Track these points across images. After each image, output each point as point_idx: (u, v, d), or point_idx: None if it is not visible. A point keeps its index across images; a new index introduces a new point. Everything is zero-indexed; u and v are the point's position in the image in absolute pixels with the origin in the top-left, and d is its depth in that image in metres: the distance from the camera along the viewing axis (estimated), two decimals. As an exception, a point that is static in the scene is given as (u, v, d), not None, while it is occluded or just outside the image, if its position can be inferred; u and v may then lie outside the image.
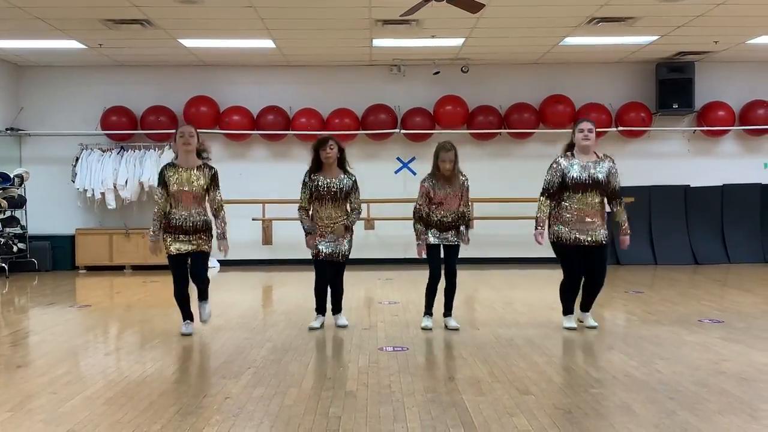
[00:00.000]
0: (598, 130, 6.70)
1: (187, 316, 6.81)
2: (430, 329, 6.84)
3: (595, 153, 6.61)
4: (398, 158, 12.86)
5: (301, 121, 12.36)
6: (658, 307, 8.07)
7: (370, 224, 12.10)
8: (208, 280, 6.85)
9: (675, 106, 12.45)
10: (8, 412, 4.39)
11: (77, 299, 9.62)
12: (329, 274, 6.93)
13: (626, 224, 6.74)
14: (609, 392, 4.70)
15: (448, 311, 7.00)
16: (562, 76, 12.70)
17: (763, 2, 8.98)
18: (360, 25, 9.94)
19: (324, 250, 6.80)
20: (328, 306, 7.12)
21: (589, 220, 6.50)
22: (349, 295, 8.83)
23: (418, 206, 6.86)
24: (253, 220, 12.07)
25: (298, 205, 6.89)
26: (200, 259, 6.67)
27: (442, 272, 6.87)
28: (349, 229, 6.86)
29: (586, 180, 6.46)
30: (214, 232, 6.73)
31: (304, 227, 6.87)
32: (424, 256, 6.86)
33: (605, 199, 6.64)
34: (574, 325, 6.80)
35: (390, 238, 12.59)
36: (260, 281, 11.43)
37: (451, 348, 6.16)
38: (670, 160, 12.93)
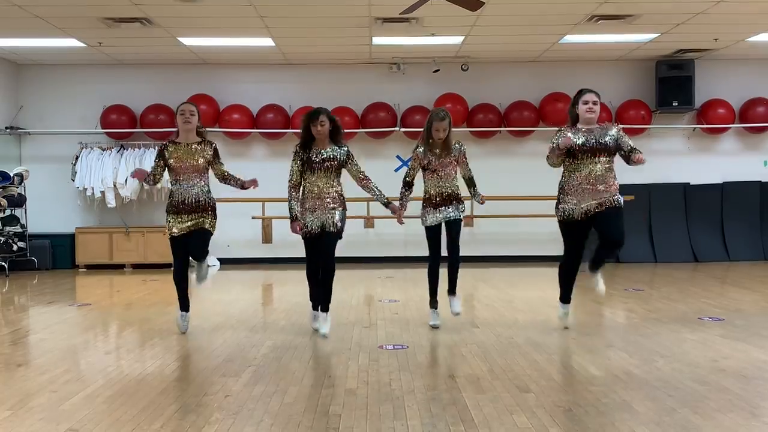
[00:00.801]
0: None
1: (184, 306, 6.73)
2: (438, 327, 6.71)
3: (598, 125, 6.33)
4: (398, 156, 12.86)
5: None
6: (658, 304, 8.07)
7: (370, 222, 12.09)
8: (207, 252, 6.68)
9: (675, 103, 12.45)
10: (8, 410, 4.39)
11: (77, 298, 9.62)
12: (319, 251, 6.45)
13: (639, 154, 6.16)
14: (609, 390, 4.70)
15: (452, 289, 6.77)
16: (561, 73, 12.69)
17: (763, 0, 8.98)
18: (360, 24, 9.94)
19: (312, 226, 6.39)
20: None
21: (600, 188, 6.18)
22: (349, 294, 8.85)
23: (406, 173, 6.87)
24: (252, 218, 12.07)
25: (288, 181, 6.46)
26: (201, 236, 6.52)
27: (444, 250, 6.64)
28: (389, 204, 6.61)
29: (593, 144, 6.17)
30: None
31: (290, 210, 6.43)
32: (402, 222, 6.82)
33: (613, 166, 6.27)
34: (567, 312, 6.68)
35: (390, 236, 12.58)
36: (260, 280, 11.44)
37: (451, 346, 6.15)
38: (670, 157, 12.93)
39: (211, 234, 6.61)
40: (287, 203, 6.50)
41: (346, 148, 6.47)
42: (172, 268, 6.76)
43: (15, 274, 11.66)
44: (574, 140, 6.22)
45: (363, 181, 6.58)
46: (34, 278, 11.34)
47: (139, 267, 12.24)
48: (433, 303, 6.84)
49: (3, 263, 11.49)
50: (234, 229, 12.18)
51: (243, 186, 6.73)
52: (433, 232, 6.69)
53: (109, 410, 4.39)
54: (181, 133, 6.59)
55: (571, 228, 6.39)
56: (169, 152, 6.47)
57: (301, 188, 6.46)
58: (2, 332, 7.02)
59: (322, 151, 6.39)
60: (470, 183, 6.91)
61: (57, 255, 12.45)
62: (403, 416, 4.21)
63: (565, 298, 6.73)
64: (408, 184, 6.89)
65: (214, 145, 6.64)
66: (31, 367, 5.57)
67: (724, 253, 12.54)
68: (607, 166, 6.24)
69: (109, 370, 5.43)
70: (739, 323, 6.88)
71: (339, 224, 6.41)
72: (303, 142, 6.41)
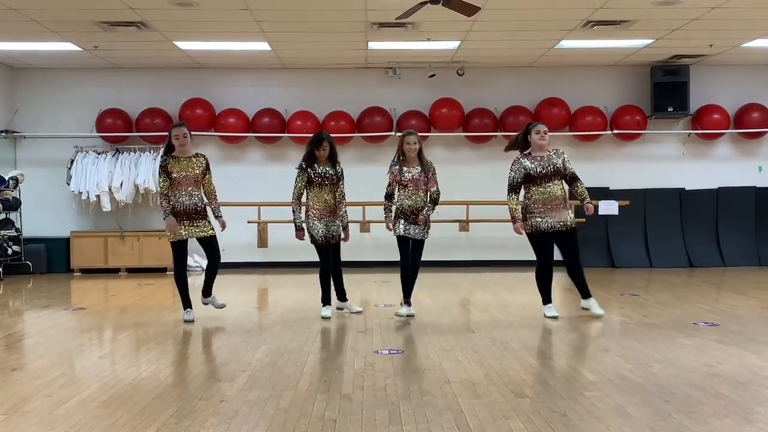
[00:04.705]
0: (593, 133, 7.02)
1: (188, 303, 7.53)
2: (403, 317, 7.59)
3: (547, 149, 7.38)
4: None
5: (297, 124, 12.37)
6: (653, 310, 8.09)
7: (365, 227, 12.07)
8: (219, 259, 7.61)
9: (670, 109, 12.47)
10: (3, 415, 4.38)
11: (72, 302, 9.60)
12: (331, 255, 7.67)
13: (587, 196, 7.36)
14: (604, 395, 4.70)
15: (409, 294, 7.82)
16: (557, 79, 12.72)
17: (759, 6, 9.03)
18: (356, 28, 9.95)
19: (323, 233, 7.54)
20: (333, 299, 7.82)
21: (557, 206, 7.23)
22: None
23: (386, 188, 7.72)
24: (248, 222, 12.05)
25: (292, 194, 7.54)
26: (209, 244, 7.54)
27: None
28: (346, 228, 7.79)
29: (549, 171, 7.23)
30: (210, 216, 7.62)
31: (295, 222, 7.55)
32: (392, 228, 7.69)
33: (565, 186, 7.35)
34: (555, 313, 7.40)
35: (385, 240, 12.44)
36: (255, 284, 11.42)
37: (447, 351, 6.15)
38: (665, 163, 12.96)
39: (215, 236, 7.59)
40: (292, 213, 7.60)
41: (341, 169, 7.65)
42: (174, 270, 7.56)
43: (10, 278, 11.63)
44: (534, 168, 7.25)
45: (340, 201, 7.66)
46: (28, 282, 11.31)
47: (134, 271, 12.21)
48: (407, 300, 7.80)
49: (-3, 267, 11.48)
50: (229, 233, 12.06)
51: (216, 216, 7.64)
52: (403, 241, 7.68)
53: (104, 415, 4.38)
54: (177, 149, 7.42)
55: (539, 239, 7.32)
56: (171, 165, 7.35)
57: (309, 201, 7.57)
58: (-4, 336, 7.00)
59: (324, 168, 7.53)
60: (433, 201, 7.66)
61: (52, 259, 12.42)
62: (399, 421, 4.21)
63: (546, 300, 7.53)
64: (389, 196, 7.76)
65: (206, 158, 7.59)
66: (25, 372, 5.56)
67: (719, 259, 12.56)
68: (561, 187, 7.32)
69: (104, 374, 5.42)
70: (735, 329, 6.90)
71: (341, 233, 7.73)
72: (307, 161, 7.51)
